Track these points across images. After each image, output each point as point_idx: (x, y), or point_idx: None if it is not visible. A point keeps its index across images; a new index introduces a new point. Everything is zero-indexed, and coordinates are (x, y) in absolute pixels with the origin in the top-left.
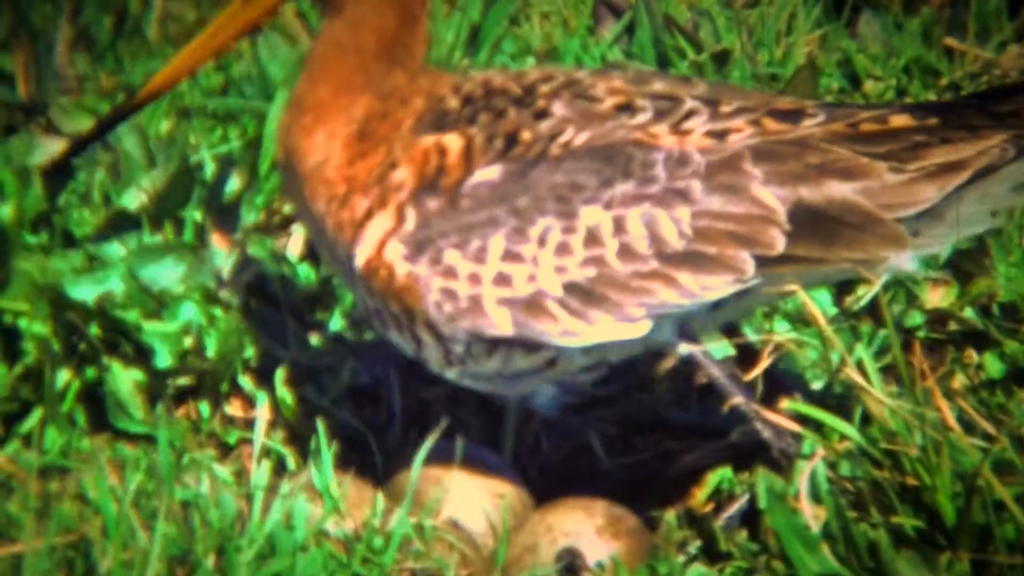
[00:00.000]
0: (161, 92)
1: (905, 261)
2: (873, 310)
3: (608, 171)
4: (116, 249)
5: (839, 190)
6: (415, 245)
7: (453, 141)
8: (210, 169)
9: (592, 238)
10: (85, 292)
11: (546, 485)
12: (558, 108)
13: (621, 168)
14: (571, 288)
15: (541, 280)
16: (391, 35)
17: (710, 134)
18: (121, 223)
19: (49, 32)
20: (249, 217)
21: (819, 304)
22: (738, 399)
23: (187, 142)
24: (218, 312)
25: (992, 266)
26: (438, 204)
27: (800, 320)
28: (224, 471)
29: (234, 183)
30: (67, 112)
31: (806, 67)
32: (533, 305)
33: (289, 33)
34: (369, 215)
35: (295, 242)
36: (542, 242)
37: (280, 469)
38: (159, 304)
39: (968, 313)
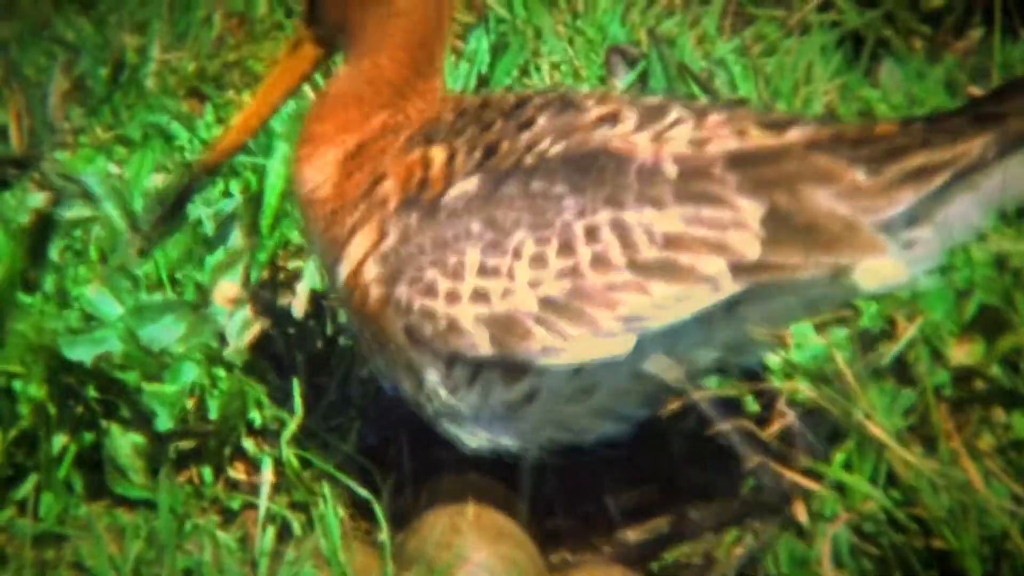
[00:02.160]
0: (230, 154)
1: (894, 271)
2: (897, 367)
3: (580, 180)
4: (114, 308)
5: (813, 195)
6: (391, 266)
7: (437, 153)
8: (211, 225)
9: (565, 249)
10: (82, 352)
11: (560, 549)
12: (542, 120)
13: (593, 176)
14: (547, 303)
15: (518, 295)
16: (405, 84)
17: (690, 143)
18: (119, 280)
19: (43, 83)
20: (252, 275)
21: (840, 361)
22: (739, 445)
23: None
24: (220, 373)
25: (1020, 322)
26: (418, 218)
27: (821, 378)
28: (228, 537)
29: (236, 239)
30: (61, 166)
31: (826, 117)
32: (511, 321)
33: None
34: (353, 232)
35: (299, 300)
36: (517, 255)
37: (285, 535)
38: (159, 365)
39: (995, 371)
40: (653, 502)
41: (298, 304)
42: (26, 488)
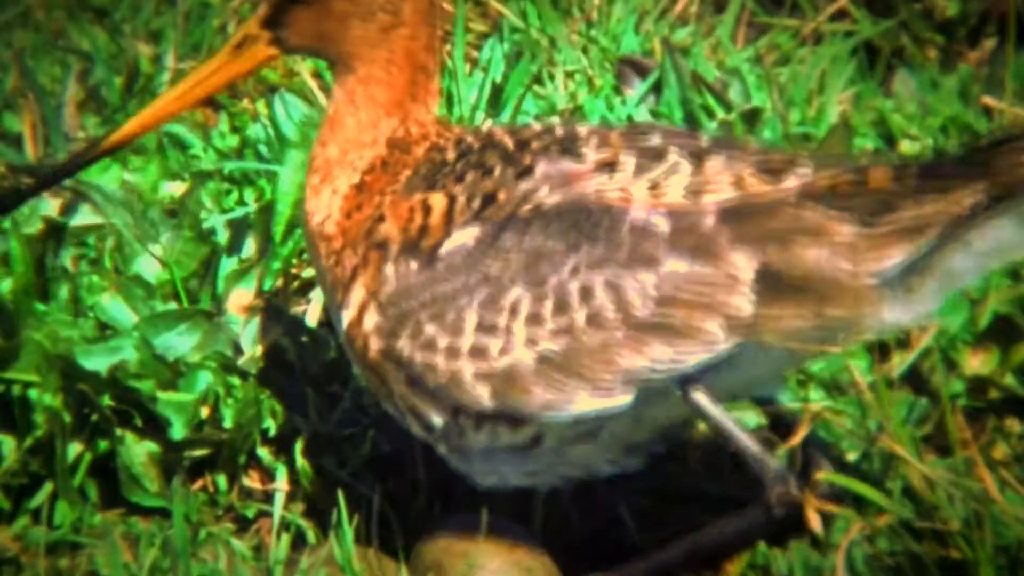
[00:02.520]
0: (130, 140)
1: (894, 317)
2: (911, 377)
3: (574, 236)
4: (129, 317)
5: (805, 251)
6: (391, 318)
7: (437, 200)
8: (225, 233)
9: (561, 307)
10: (97, 362)
11: (575, 560)
12: (541, 166)
13: (587, 232)
14: (544, 360)
15: (516, 352)
16: (402, 90)
17: (686, 191)
18: (133, 289)
19: (58, 92)
20: (265, 283)
21: (856, 371)
22: (741, 437)
23: (200, 206)
24: (235, 381)
25: None
26: (417, 268)
27: (836, 388)
28: (242, 545)
29: (249, 247)
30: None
31: (840, 126)
32: (510, 378)
33: (305, 93)
34: (355, 275)
35: (313, 308)
36: (514, 312)
37: (300, 543)
38: (174, 373)
39: (1010, 380)
40: (669, 513)
41: (312, 312)
42: (41, 496)
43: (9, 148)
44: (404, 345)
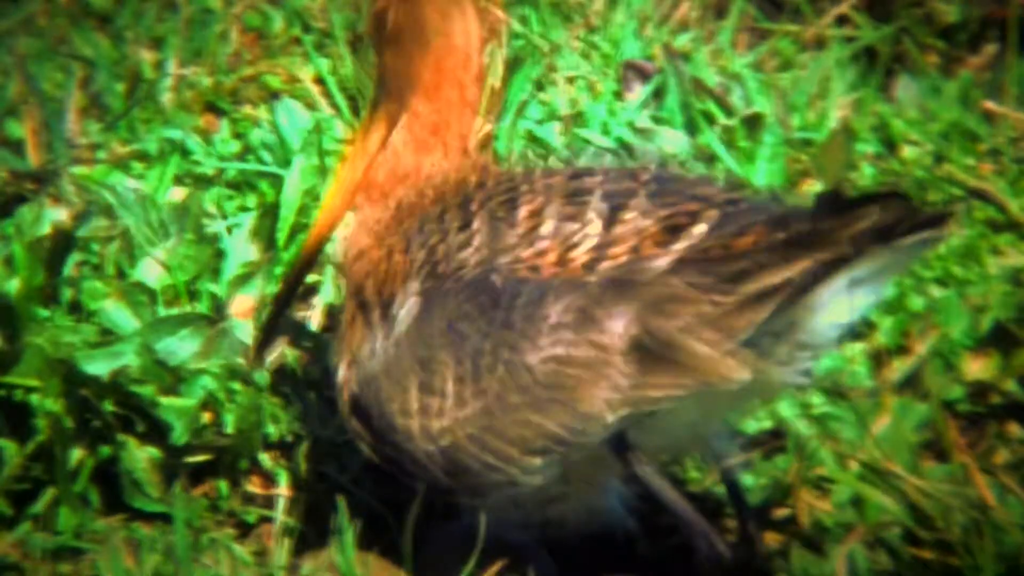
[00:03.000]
0: (319, 247)
1: (784, 377)
2: (911, 383)
3: (478, 315)
4: (130, 322)
5: (672, 321)
6: (359, 393)
7: (398, 262)
8: (227, 238)
9: (476, 387)
10: (99, 366)
11: (575, 565)
12: (479, 237)
13: (489, 309)
14: (473, 440)
15: (452, 433)
16: (446, 124)
17: (588, 262)
18: (136, 295)
19: (60, 98)
20: (269, 288)
21: (856, 377)
22: (684, 511)
23: (202, 211)
24: (237, 386)
25: None
26: (382, 336)
27: (837, 393)
28: (243, 551)
29: (252, 252)
30: (78, 181)
31: (840, 132)
32: (453, 458)
33: (307, 100)
34: (349, 327)
35: (316, 314)
36: (443, 394)
37: (301, 548)
38: (175, 378)
39: (1010, 385)
40: (667, 527)
41: (314, 318)
42: (43, 502)
43: (11, 154)
44: (375, 423)
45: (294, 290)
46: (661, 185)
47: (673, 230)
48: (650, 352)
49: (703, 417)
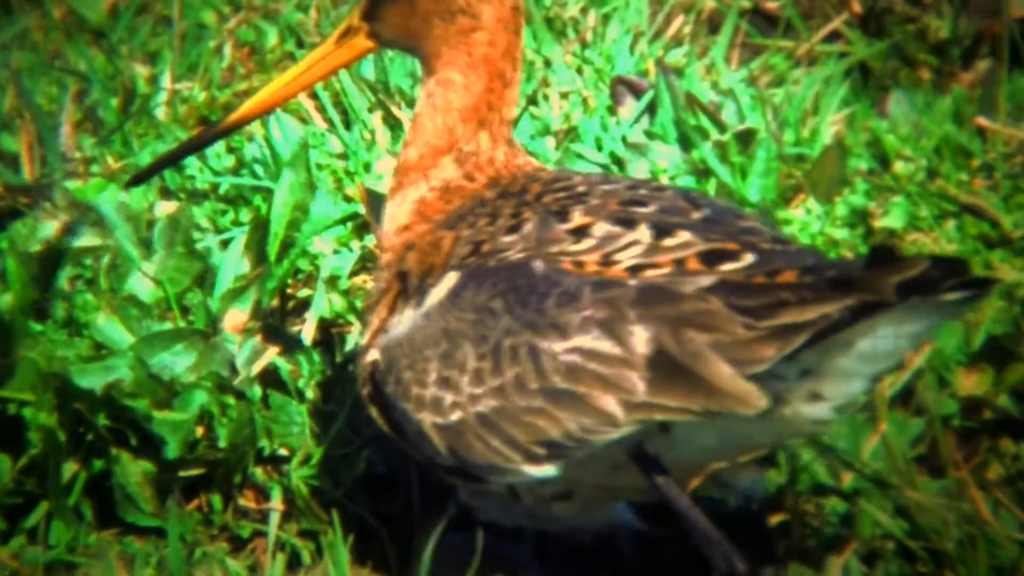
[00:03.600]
0: (247, 120)
1: (808, 412)
2: (905, 397)
3: (513, 297)
4: (123, 336)
5: (698, 340)
6: (386, 360)
7: (447, 242)
8: (220, 252)
9: (496, 367)
10: (92, 380)
11: None
12: (528, 225)
13: (523, 294)
14: (483, 420)
15: (462, 408)
16: (479, 98)
17: (632, 267)
18: (129, 309)
19: (54, 112)
20: (261, 302)
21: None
22: (702, 525)
23: (193, 224)
24: (230, 401)
25: None
26: (412, 310)
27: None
28: (237, 565)
29: (245, 266)
30: (72, 195)
31: (833, 147)
32: (458, 433)
33: (301, 114)
34: (380, 299)
35: (309, 328)
36: (462, 368)
37: (295, 563)
38: (169, 393)
39: (1004, 401)
40: (663, 532)
41: (307, 332)
42: (36, 516)
43: (6, 168)
44: (390, 389)
45: (194, 149)
46: (716, 214)
47: (721, 254)
48: (673, 364)
49: (720, 446)
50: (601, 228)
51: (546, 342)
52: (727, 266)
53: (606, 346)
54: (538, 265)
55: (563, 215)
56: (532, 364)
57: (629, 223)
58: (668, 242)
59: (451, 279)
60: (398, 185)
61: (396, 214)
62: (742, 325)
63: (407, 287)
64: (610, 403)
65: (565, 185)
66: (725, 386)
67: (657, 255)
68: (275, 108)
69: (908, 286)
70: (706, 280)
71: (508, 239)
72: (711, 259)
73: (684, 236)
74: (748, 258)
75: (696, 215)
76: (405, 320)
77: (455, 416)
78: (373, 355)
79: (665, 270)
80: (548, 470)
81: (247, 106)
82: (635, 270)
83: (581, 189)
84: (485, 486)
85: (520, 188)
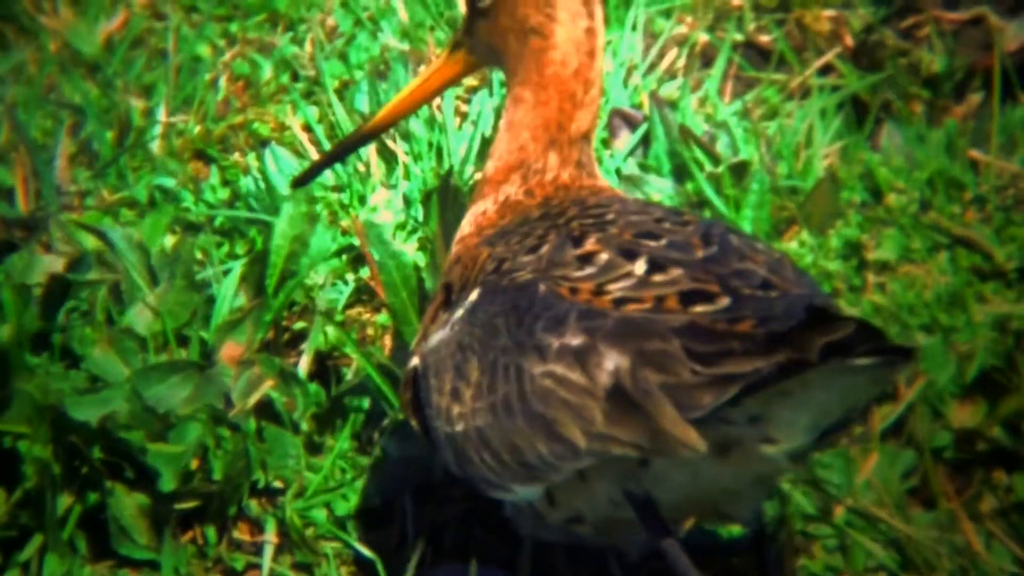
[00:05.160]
0: (383, 127)
1: (763, 460)
2: (898, 429)
3: (513, 317)
4: (119, 369)
5: (650, 380)
6: (421, 368)
7: (482, 257)
8: (216, 285)
9: (492, 384)
10: (87, 413)
11: None
12: (547, 246)
13: (525, 313)
14: (480, 434)
15: (467, 420)
16: (550, 117)
17: (618, 299)
18: (125, 341)
19: (49, 145)
20: (257, 335)
21: None
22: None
23: (192, 258)
24: (225, 433)
25: (1021, 384)
26: (442, 324)
27: None
28: None
29: (241, 299)
30: (67, 228)
31: (826, 180)
32: (462, 446)
33: (295, 147)
34: (434, 303)
35: (304, 361)
36: (469, 381)
37: None
38: (164, 425)
39: (997, 432)
40: (657, 563)
41: (303, 364)
42: (30, 549)
43: (1, 201)
44: (422, 395)
45: (349, 150)
46: (721, 252)
47: (700, 295)
48: (627, 399)
49: (695, 484)
50: (605, 257)
51: (528, 364)
52: (700, 308)
53: (575, 375)
54: (541, 287)
55: (579, 240)
56: (517, 384)
57: (632, 255)
58: (657, 278)
59: (475, 294)
60: (475, 198)
61: (462, 225)
62: (690, 370)
63: (449, 299)
64: (573, 431)
65: (598, 212)
66: (668, 427)
67: (644, 290)
68: (403, 116)
69: (832, 348)
70: (676, 320)
71: (526, 259)
72: (690, 299)
73: (674, 273)
74: (723, 302)
75: (701, 252)
76: (440, 331)
77: (460, 427)
78: (414, 361)
79: (646, 305)
80: (532, 491)
81: (377, 120)
82: (619, 302)
83: (610, 217)
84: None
85: (560, 210)
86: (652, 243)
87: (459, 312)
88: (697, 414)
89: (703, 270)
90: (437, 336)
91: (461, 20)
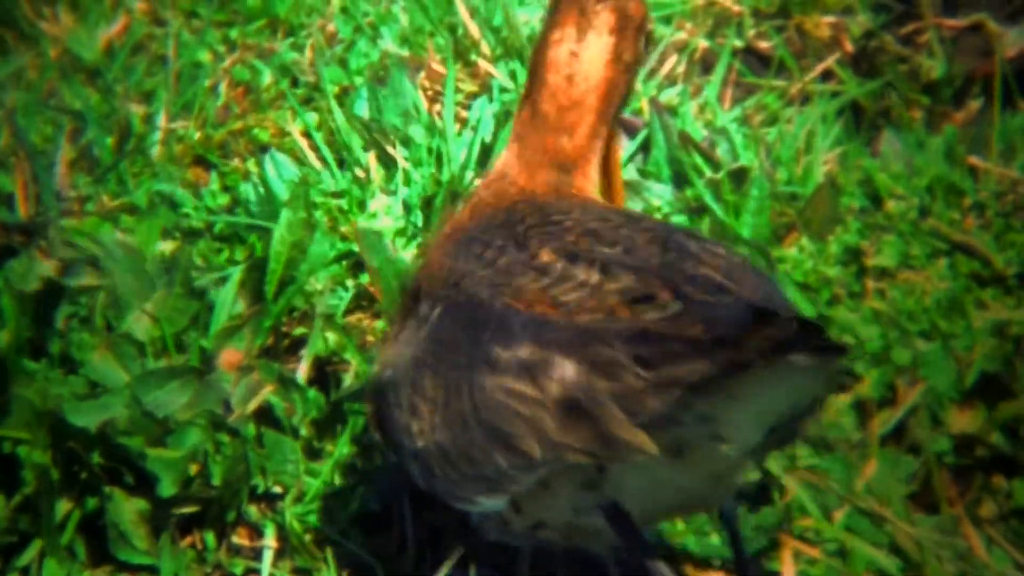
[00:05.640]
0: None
1: (723, 457)
2: (898, 434)
3: (470, 328)
4: (118, 374)
5: (599, 386)
6: (381, 377)
7: (446, 267)
8: (215, 291)
9: (449, 398)
10: (86, 419)
11: None
12: (504, 258)
13: (478, 326)
14: (439, 448)
15: (425, 435)
16: (546, 150)
17: (570, 308)
18: (124, 347)
19: (49, 151)
20: (256, 340)
21: (841, 429)
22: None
23: (191, 263)
24: (224, 438)
25: (1020, 389)
26: (398, 332)
27: (823, 445)
28: None
29: (240, 305)
30: (67, 234)
31: (826, 186)
32: (424, 461)
33: (295, 153)
34: (399, 314)
35: (303, 366)
36: (425, 396)
37: None
38: (163, 430)
39: (997, 438)
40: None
41: (302, 370)
42: (30, 555)
43: (1, 206)
44: (380, 406)
45: None
46: (678, 258)
47: (650, 302)
48: (578, 407)
49: (653, 489)
50: (560, 266)
51: (480, 377)
52: (650, 315)
53: (526, 386)
54: (495, 300)
55: (533, 249)
56: (470, 399)
57: (589, 262)
58: (610, 285)
59: (436, 312)
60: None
61: (437, 235)
62: (635, 375)
63: (416, 310)
64: (526, 441)
65: (557, 219)
66: (618, 432)
67: (594, 298)
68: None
69: (771, 347)
70: (625, 328)
71: (482, 273)
72: (640, 306)
73: (627, 280)
74: (673, 308)
75: (657, 259)
76: (404, 343)
77: (420, 443)
78: (376, 371)
79: (597, 315)
80: (496, 502)
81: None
82: (571, 310)
83: (568, 223)
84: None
85: (520, 217)
86: (607, 250)
87: (423, 330)
88: (644, 418)
89: (656, 276)
90: (396, 351)
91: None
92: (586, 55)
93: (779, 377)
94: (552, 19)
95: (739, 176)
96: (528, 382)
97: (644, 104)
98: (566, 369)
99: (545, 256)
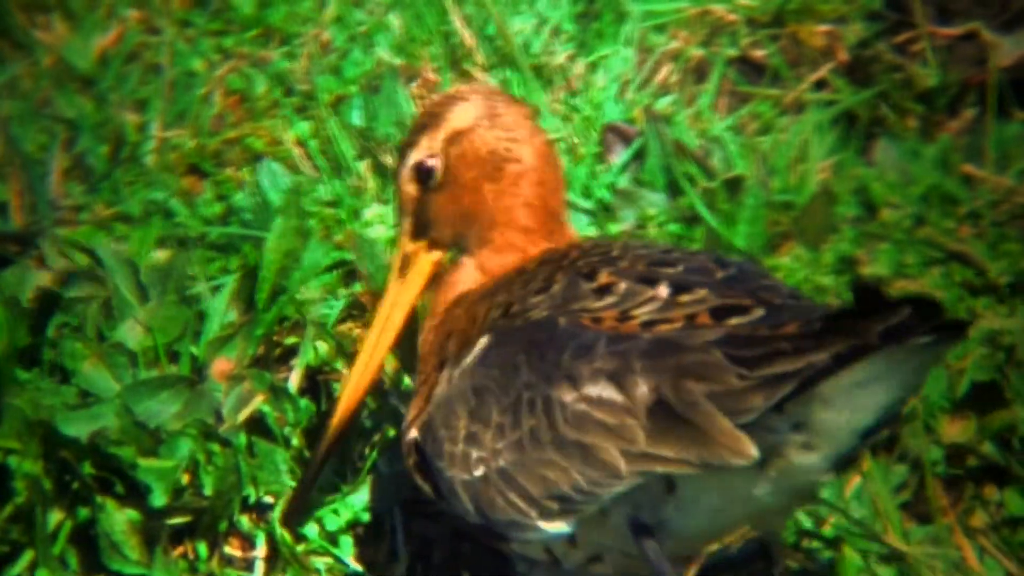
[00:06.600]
0: (351, 412)
1: (805, 461)
2: (889, 444)
3: (534, 352)
4: (110, 384)
5: (695, 391)
6: (425, 429)
7: (483, 309)
8: (208, 300)
9: (515, 420)
10: (78, 428)
11: None
12: (558, 285)
13: (546, 347)
14: (503, 474)
15: (486, 463)
16: (535, 239)
17: (646, 322)
18: (115, 357)
19: (43, 160)
20: (248, 350)
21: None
22: None
23: (184, 273)
24: (215, 448)
25: (1012, 399)
26: (447, 378)
27: None
28: None
29: (232, 314)
30: (61, 243)
31: (821, 195)
32: (482, 490)
33: (289, 161)
34: (422, 383)
35: (295, 376)
36: (487, 423)
37: None
38: (154, 440)
39: (988, 448)
40: None
41: (294, 379)
42: (22, 564)
43: None
44: (428, 448)
45: (326, 460)
46: (741, 273)
47: (732, 310)
48: (671, 413)
49: (725, 506)
50: (624, 287)
51: (558, 393)
52: (735, 320)
53: (612, 396)
54: (561, 320)
55: (591, 276)
56: (546, 416)
57: (652, 281)
58: (684, 298)
59: (484, 340)
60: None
61: (433, 311)
62: (736, 375)
63: (449, 367)
64: (612, 452)
65: (602, 251)
66: (717, 435)
67: (671, 311)
68: (379, 373)
69: (891, 332)
70: (712, 333)
71: (536, 299)
72: (722, 314)
73: (700, 293)
74: (758, 312)
75: (720, 274)
76: (446, 384)
77: (479, 471)
78: (412, 434)
79: (677, 325)
80: (561, 527)
81: (343, 401)
82: (648, 325)
83: (615, 253)
84: (515, 546)
85: (561, 254)
86: (669, 269)
87: (466, 361)
88: (749, 417)
89: (728, 288)
90: (441, 392)
91: (400, 232)
92: None
93: (896, 362)
94: None
95: (733, 185)
96: (614, 390)
97: (638, 113)
98: (656, 376)
99: (604, 278)
